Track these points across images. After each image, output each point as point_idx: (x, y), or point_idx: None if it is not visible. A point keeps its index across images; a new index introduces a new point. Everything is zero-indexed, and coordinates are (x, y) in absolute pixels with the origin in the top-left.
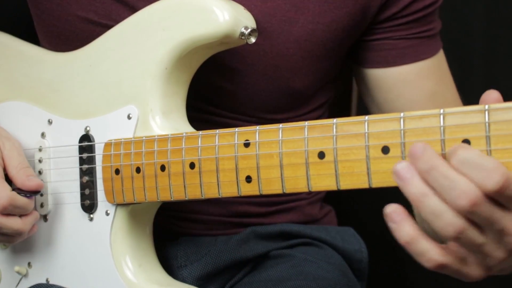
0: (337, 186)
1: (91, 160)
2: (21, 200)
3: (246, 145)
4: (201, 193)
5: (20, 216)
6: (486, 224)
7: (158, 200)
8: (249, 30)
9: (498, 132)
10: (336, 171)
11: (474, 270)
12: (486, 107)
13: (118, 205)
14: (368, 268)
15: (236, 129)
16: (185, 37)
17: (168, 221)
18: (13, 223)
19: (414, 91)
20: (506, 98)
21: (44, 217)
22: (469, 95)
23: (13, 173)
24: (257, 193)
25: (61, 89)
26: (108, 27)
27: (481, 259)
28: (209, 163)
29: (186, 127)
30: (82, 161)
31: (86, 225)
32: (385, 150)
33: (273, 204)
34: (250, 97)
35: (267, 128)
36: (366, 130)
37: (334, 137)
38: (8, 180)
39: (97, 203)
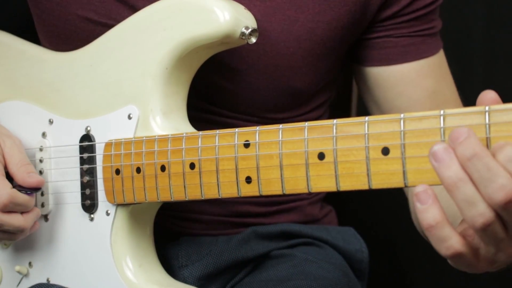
0: (337, 187)
1: (92, 160)
2: (22, 197)
3: (246, 145)
4: (201, 193)
5: (22, 213)
6: (511, 221)
7: (159, 201)
8: (249, 30)
9: (498, 134)
10: (336, 172)
11: (482, 263)
12: (487, 108)
13: (118, 205)
14: (369, 268)
15: (236, 129)
16: (185, 37)
17: (169, 221)
18: (15, 220)
19: (415, 90)
20: (506, 98)
21: (45, 217)
22: (469, 95)
23: (14, 170)
24: (257, 193)
25: (62, 89)
26: (108, 26)
27: (493, 253)
28: (209, 164)
29: (186, 127)
30: (82, 161)
31: (87, 225)
32: (385, 151)
33: (274, 204)
34: (251, 97)
35: (267, 129)
36: (366, 131)
37: (334, 138)
38: (9, 177)
39: (97, 203)
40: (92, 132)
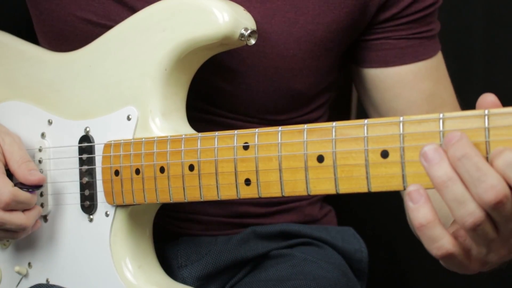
0: (336, 190)
1: (91, 161)
2: (24, 195)
3: (245, 147)
4: (201, 195)
5: (23, 211)
6: (502, 221)
7: (158, 202)
8: (249, 31)
9: (497, 138)
10: (335, 175)
11: (473, 264)
12: (486, 112)
13: (117, 206)
14: (368, 268)
15: (236, 131)
16: (184, 38)
17: (168, 221)
18: (16, 218)
19: (412, 92)
20: (505, 98)
21: (44, 218)
22: (469, 95)
23: (15, 167)
24: (256, 196)
25: (61, 89)
26: (107, 27)
27: (485, 254)
28: (208, 166)
29: (186, 128)
30: (82, 162)
31: (86, 226)
32: (384, 154)
33: (274, 204)
34: (251, 98)
35: (266, 131)
36: (365, 134)
37: (333, 140)
38: (9, 175)
39: (96, 204)
40: (91, 133)
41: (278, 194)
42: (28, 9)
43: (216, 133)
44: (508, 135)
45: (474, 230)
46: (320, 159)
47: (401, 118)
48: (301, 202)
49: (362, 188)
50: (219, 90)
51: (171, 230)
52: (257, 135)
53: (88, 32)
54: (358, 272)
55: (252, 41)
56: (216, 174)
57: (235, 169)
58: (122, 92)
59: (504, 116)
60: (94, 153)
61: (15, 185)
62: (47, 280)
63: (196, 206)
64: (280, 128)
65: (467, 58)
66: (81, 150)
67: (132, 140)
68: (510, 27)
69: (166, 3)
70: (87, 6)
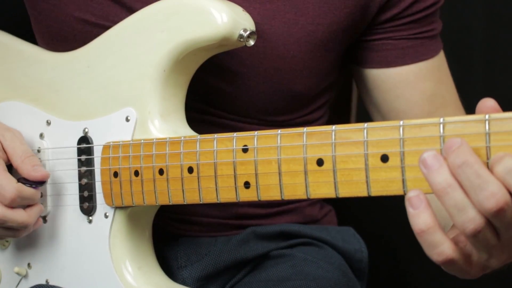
0: (336, 194)
1: (90, 162)
2: (28, 191)
3: (245, 150)
4: (200, 198)
5: (25, 209)
6: (502, 228)
7: (157, 204)
8: (248, 32)
9: (498, 143)
10: (334, 179)
11: (474, 269)
12: (487, 116)
13: (117, 207)
14: (368, 268)
15: (235, 134)
16: (183, 39)
17: (168, 223)
18: (18, 216)
19: (414, 92)
20: (505, 98)
21: (44, 218)
22: (469, 95)
23: (18, 162)
24: (255, 199)
25: (60, 90)
26: (105, 28)
27: (486, 259)
28: (207, 168)
29: (185, 129)
30: (80, 163)
31: (85, 227)
32: (384, 158)
33: (273, 205)
34: (251, 99)
35: (266, 134)
36: (365, 138)
37: (333, 144)
38: (11, 170)
39: (96, 206)
40: (90, 134)
41: (278, 198)
42: (26, 9)
43: (215, 135)
44: (508, 140)
45: (475, 236)
46: (320, 162)
47: (401, 122)
48: (301, 203)
49: (362, 193)
50: (218, 91)
51: (171, 231)
52: (256, 138)
53: (87, 33)
54: (358, 272)
55: (251, 42)
56: (215, 176)
57: (234, 172)
58: (121, 93)
59: (504, 121)
60: (92, 154)
61: (18, 180)
62: (46, 281)
63: (195, 207)
64: (279, 131)
65: (467, 58)
66: (80, 151)
67: (131, 142)
68: (510, 27)
69: (165, 4)
70: (85, 7)
